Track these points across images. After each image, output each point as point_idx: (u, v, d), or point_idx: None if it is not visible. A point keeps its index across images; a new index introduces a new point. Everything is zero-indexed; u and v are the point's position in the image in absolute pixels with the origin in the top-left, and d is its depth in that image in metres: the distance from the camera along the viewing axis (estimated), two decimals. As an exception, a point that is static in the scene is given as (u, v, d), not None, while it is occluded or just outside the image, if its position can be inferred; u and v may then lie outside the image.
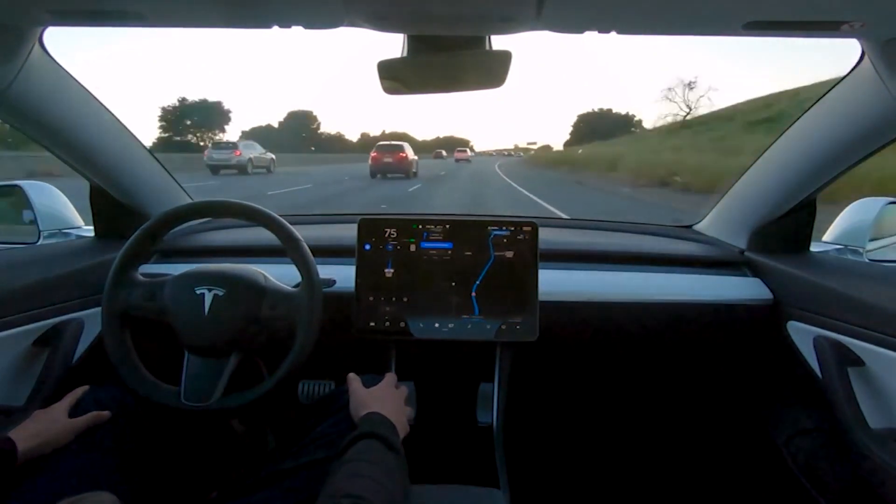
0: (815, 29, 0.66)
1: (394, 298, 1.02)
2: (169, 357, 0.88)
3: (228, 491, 0.76)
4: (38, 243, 1.22)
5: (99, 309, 0.85)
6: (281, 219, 0.89)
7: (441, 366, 1.11)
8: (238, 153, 17.82)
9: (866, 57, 0.77)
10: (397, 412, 0.78)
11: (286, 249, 0.88)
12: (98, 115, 1.00)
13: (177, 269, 0.96)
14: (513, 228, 1.02)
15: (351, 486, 0.58)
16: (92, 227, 1.21)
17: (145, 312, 0.86)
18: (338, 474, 0.61)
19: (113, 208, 1.15)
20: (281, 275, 0.92)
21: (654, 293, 1.11)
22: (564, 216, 5.88)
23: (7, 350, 0.87)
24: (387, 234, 1.02)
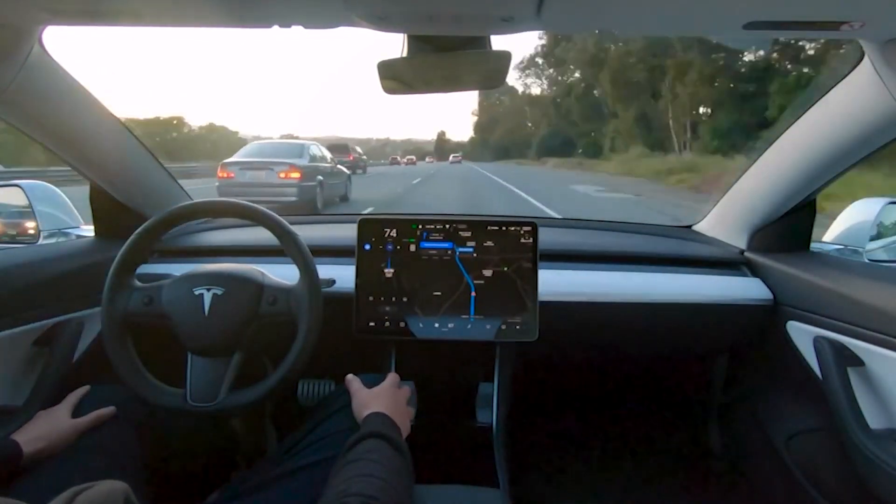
0: (815, 29, 0.66)
1: (393, 298, 1.02)
2: (171, 358, 0.88)
3: (228, 491, 0.77)
4: (38, 243, 1.22)
5: (99, 309, 0.85)
6: (278, 217, 0.89)
7: (441, 366, 1.11)
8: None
9: (866, 57, 0.77)
10: (400, 413, 0.78)
11: (283, 246, 0.88)
12: (98, 115, 1.00)
13: (176, 268, 0.96)
14: (512, 228, 1.02)
15: (360, 486, 0.57)
16: (92, 227, 1.21)
17: (145, 318, 0.85)
18: (344, 473, 0.61)
19: (113, 208, 1.15)
20: (280, 274, 0.92)
21: (653, 293, 1.11)
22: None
23: (7, 350, 0.87)
24: (386, 234, 1.02)
